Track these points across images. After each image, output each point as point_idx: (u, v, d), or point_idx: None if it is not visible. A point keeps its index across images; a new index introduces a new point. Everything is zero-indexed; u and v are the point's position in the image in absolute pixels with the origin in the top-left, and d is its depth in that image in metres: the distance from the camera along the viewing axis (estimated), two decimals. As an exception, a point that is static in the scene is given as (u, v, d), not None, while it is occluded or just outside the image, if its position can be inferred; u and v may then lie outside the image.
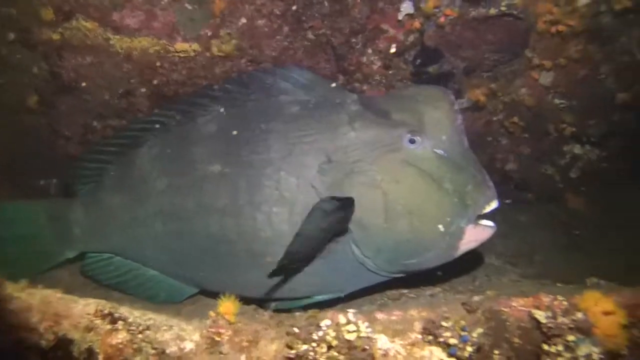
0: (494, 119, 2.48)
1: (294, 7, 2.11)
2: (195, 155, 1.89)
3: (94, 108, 2.31)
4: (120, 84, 2.23)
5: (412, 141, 1.71)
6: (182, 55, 2.15)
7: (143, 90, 2.25)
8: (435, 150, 1.72)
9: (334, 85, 1.93)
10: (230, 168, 1.83)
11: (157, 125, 2.03)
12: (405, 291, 2.03)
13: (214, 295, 1.49)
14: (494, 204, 1.73)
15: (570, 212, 2.65)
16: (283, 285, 1.83)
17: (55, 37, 2.14)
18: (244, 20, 2.12)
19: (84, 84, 2.23)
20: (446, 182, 1.69)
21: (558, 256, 2.51)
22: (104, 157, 2.11)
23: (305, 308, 1.70)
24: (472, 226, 1.70)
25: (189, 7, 2.11)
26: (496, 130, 2.53)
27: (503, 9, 2.08)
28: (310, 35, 2.18)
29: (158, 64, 2.17)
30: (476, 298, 1.48)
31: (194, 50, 2.14)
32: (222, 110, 1.94)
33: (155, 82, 2.23)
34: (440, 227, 1.66)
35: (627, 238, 2.39)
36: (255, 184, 1.78)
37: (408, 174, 1.69)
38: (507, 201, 2.49)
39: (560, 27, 2.17)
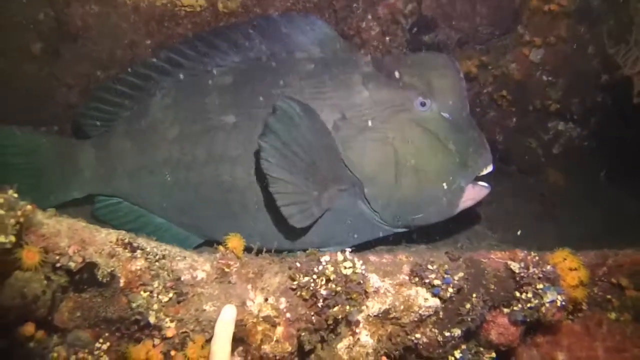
0: (484, 91, 2.57)
1: (299, -31, 2.15)
2: (208, 105, 1.90)
3: (98, 58, 2.32)
4: (126, 35, 2.25)
5: (422, 104, 1.79)
6: (188, 9, 2.18)
7: (148, 42, 2.27)
8: (442, 113, 1.81)
9: (346, 45, 1.97)
10: (244, 119, 1.85)
11: (173, 67, 2.01)
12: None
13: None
14: (490, 167, 1.86)
15: (550, 186, 2.75)
16: (290, 236, 1.88)
17: (63, -17, 2.15)
18: (249, -21, 2.14)
19: (89, 33, 2.24)
20: (450, 143, 1.79)
21: (535, 226, 2.62)
22: (117, 100, 2.09)
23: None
24: (471, 185, 1.82)
25: (197, -38, 2.14)
26: (485, 102, 2.61)
27: (498, -16, 2.16)
28: (313, -3, 2.22)
29: (164, 17, 2.19)
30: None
31: (200, 6, 2.18)
32: (237, 61, 1.94)
33: (160, 35, 2.25)
34: (444, 184, 1.77)
35: (598, 211, 2.54)
36: None
37: (417, 134, 1.77)
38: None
39: (553, 6, 2.25)
